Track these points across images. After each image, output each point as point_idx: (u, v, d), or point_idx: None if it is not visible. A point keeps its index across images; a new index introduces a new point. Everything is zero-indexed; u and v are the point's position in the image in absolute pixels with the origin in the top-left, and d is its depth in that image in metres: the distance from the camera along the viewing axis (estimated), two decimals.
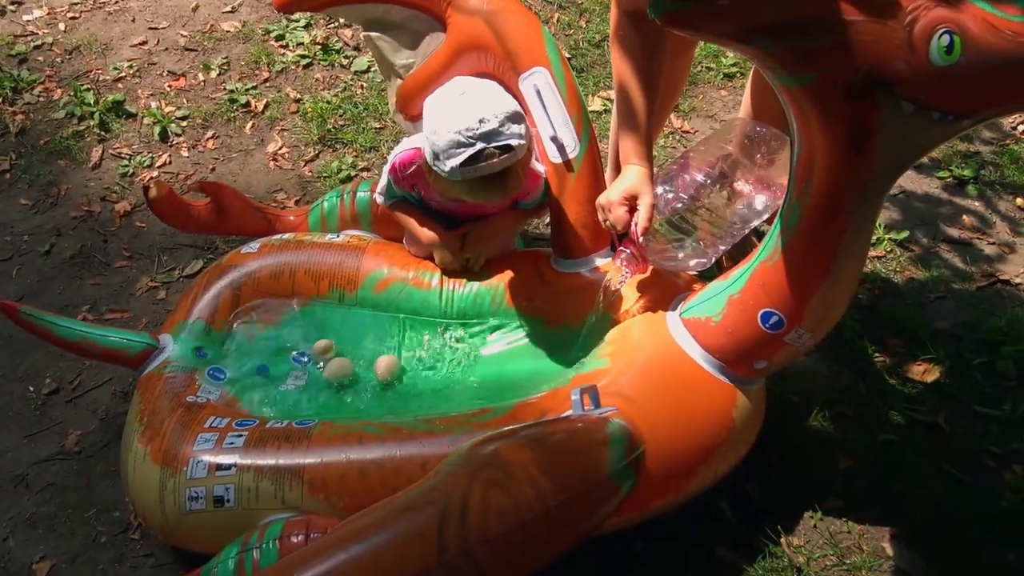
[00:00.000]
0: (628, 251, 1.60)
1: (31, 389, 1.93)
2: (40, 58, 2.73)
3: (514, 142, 1.51)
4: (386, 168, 1.77)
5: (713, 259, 1.66)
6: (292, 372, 1.77)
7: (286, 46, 2.78)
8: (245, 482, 1.50)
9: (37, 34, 2.82)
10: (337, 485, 1.48)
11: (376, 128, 2.48)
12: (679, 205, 1.63)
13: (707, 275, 1.66)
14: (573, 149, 1.74)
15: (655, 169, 1.63)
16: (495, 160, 1.50)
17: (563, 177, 1.76)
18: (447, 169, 1.52)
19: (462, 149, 1.49)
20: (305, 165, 2.42)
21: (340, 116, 2.54)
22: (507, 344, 1.78)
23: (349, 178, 2.36)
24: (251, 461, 1.52)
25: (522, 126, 1.54)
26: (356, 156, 2.43)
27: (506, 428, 1.44)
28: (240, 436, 1.56)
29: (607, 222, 1.60)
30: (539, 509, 1.29)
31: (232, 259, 1.89)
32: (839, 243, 1.32)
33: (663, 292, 1.67)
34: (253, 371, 1.75)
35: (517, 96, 1.69)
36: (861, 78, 1.11)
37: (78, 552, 1.68)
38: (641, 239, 1.56)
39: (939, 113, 1.13)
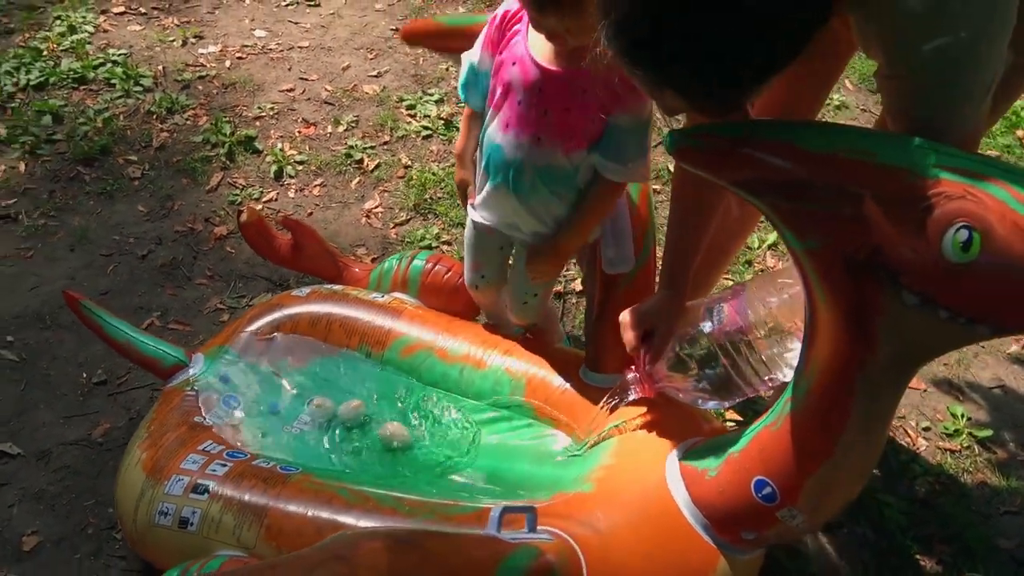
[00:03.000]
0: (635, 375, 1.55)
1: (84, 376, 2.08)
2: (200, 87, 3.02)
3: None
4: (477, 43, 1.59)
5: (729, 405, 1.57)
6: (301, 416, 1.80)
7: (414, 115, 2.94)
8: (212, 511, 1.53)
9: (205, 66, 3.13)
10: (291, 537, 1.48)
11: None
12: (715, 340, 1.56)
13: (747, 408, 1.57)
14: (627, 266, 1.71)
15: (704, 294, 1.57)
16: None
17: (610, 289, 1.73)
18: None
19: None
20: (394, 227, 2.52)
21: (440, 188, 2.63)
22: (511, 439, 1.74)
23: (430, 248, 2.43)
24: (224, 492, 1.55)
25: None
26: (443, 229, 2.50)
27: (401, 526, 1.39)
28: (225, 466, 1.60)
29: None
30: None
31: (281, 299, 1.98)
32: (840, 431, 1.19)
33: (680, 427, 1.59)
34: (266, 406, 1.81)
35: None
36: (864, 255, 1.02)
37: (64, 535, 1.76)
38: (648, 368, 1.50)
39: (947, 312, 1.01)
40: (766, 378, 1.52)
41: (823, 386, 1.20)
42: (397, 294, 2.01)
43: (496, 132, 1.56)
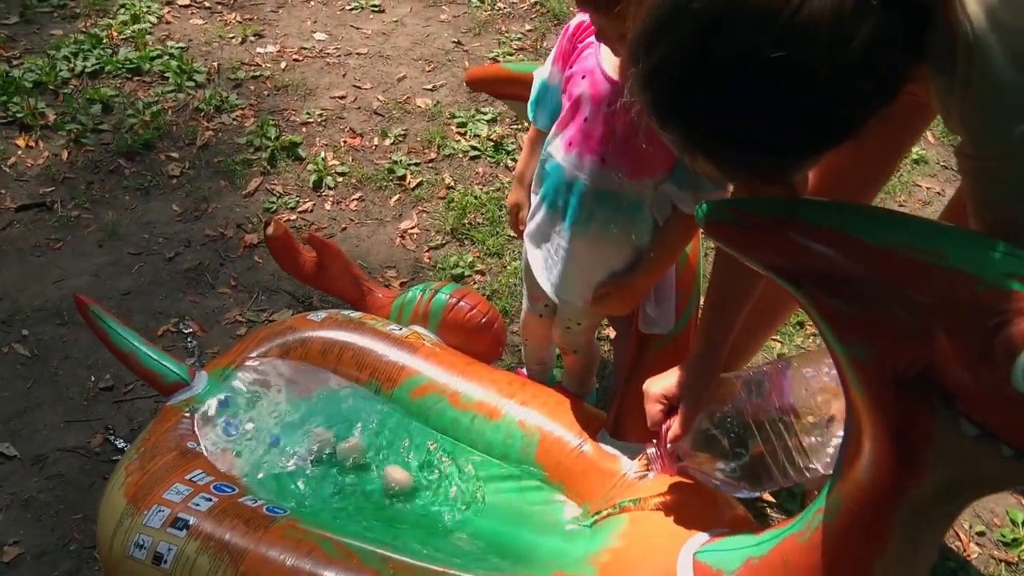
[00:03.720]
0: (655, 451, 1.40)
1: (92, 379, 2.02)
2: (252, 87, 2.97)
3: None
4: (548, 59, 1.49)
5: (758, 495, 1.42)
6: (300, 451, 1.70)
7: (464, 134, 2.83)
8: (188, 550, 1.44)
9: (260, 65, 3.08)
10: None
11: (508, 237, 2.43)
12: (751, 418, 1.40)
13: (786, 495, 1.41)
14: (665, 327, 1.57)
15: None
16: None
17: (644, 349, 1.60)
18: None
19: None
20: (428, 251, 2.41)
21: (481, 214, 2.52)
22: (516, 502, 1.61)
23: (461, 277, 2.32)
24: (204, 529, 1.45)
25: None
26: (478, 257, 2.38)
27: None
28: (210, 500, 1.51)
29: None
30: None
31: (295, 321, 1.88)
32: (878, 554, 1.04)
33: (699, 512, 1.44)
34: (265, 437, 1.71)
35: None
36: (915, 371, 0.87)
37: (46, 550, 1.70)
38: (669, 446, 1.36)
39: (1012, 450, 0.85)
40: (804, 468, 1.36)
41: (860, 504, 1.04)
42: (417, 327, 1.90)
43: (558, 150, 1.44)
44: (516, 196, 1.66)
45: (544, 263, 1.57)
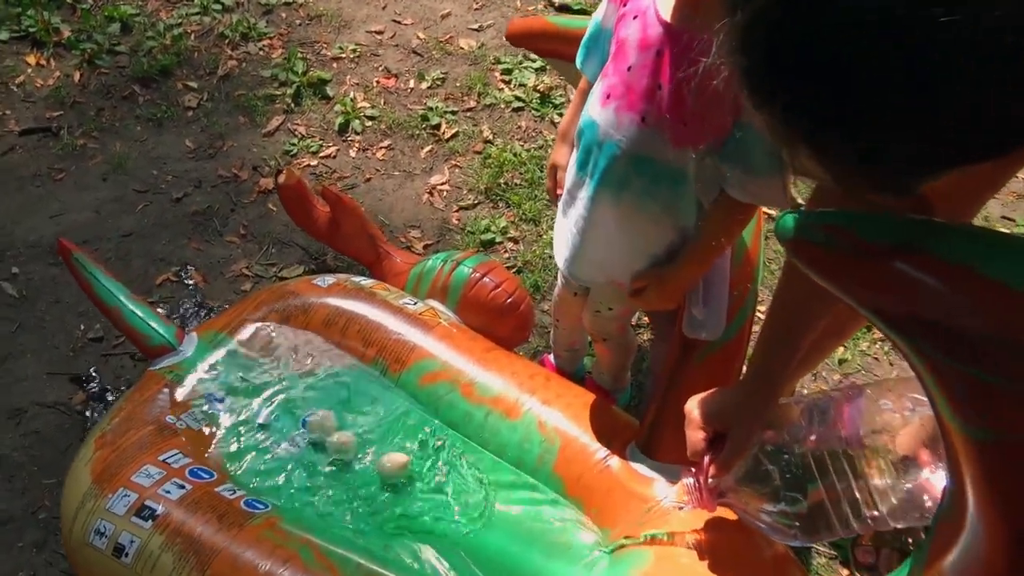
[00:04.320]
0: (693, 481, 1.19)
1: (81, 328, 1.86)
2: (283, 15, 2.74)
3: None
4: None
5: (811, 543, 1.20)
6: (293, 435, 1.52)
7: (508, 82, 2.58)
8: (152, 544, 1.27)
9: None
10: None
11: (547, 201, 2.19)
12: (812, 451, 1.17)
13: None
14: (713, 333, 1.35)
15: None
16: None
17: (686, 355, 1.37)
18: None
19: None
20: (457, 210, 2.19)
21: (519, 173, 2.28)
22: (528, 516, 1.41)
23: (492, 243, 2.10)
24: (172, 522, 1.28)
25: None
26: (512, 222, 2.16)
27: None
28: (182, 488, 1.34)
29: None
30: None
31: (298, 286, 1.69)
32: None
33: (735, 551, 1.24)
34: (253, 415, 1.53)
35: None
36: None
37: (12, 516, 1.56)
38: (711, 481, 1.14)
39: None
40: (868, 517, 1.14)
41: None
42: (433, 303, 1.69)
43: (595, 103, 1.21)
44: (557, 155, 1.43)
45: (565, 233, 1.35)
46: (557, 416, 1.47)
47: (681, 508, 1.27)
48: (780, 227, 0.75)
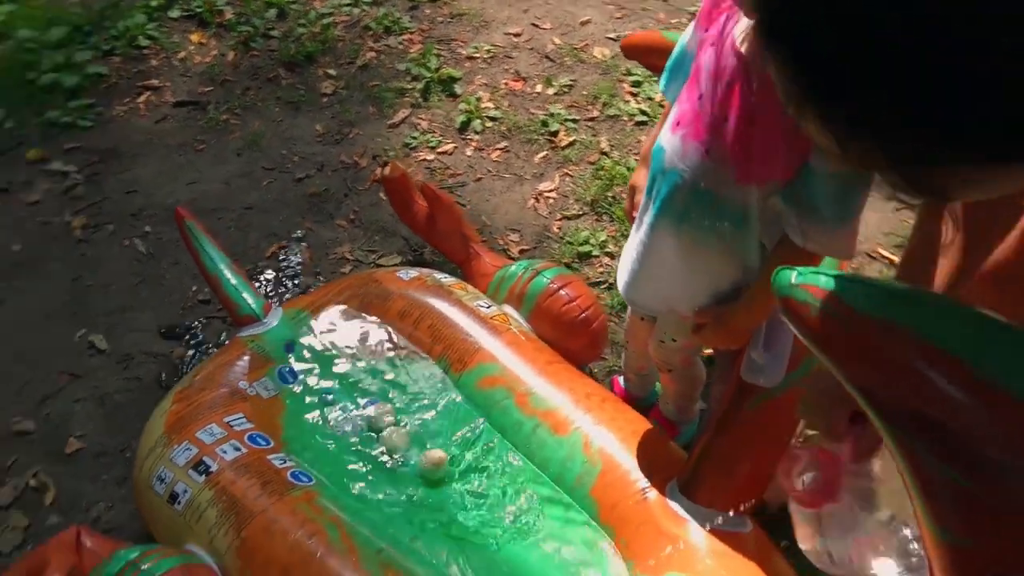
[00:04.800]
0: (815, 475, 1.05)
1: (193, 289, 2.01)
2: (428, 11, 2.83)
3: None
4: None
5: None
6: (350, 418, 1.59)
7: (636, 95, 2.55)
8: (201, 498, 1.37)
9: None
10: (259, 567, 1.28)
11: None
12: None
13: None
14: (771, 380, 1.29)
15: None
16: None
17: (741, 399, 1.32)
18: None
19: None
20: (560, 219, 2.20)
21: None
22: (557, 534, 1.41)
23: (588, 256, 2.09)
24: (221, 480, 1.38)
25: None
26: (612, 237, 2.14)
27: None
28: (238, 451, 1.43)
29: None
30: None
31: (382, 276, 1.75)
32: None
33: None
34: (318, 393, 1.61)
35: None
36: None
37: (105, 450, 1.71)
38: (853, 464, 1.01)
39: None
40: None
41: None
42: (508, 308, 1.71)
43: (666, 129, 1.19)
44: (637, 176, 1.41)
45: (627, 256, 1.33)
46: (605, 439, 1.46)
47: (803, 480, 1.17)
48: (775, 281, 0.72)
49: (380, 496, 1.46)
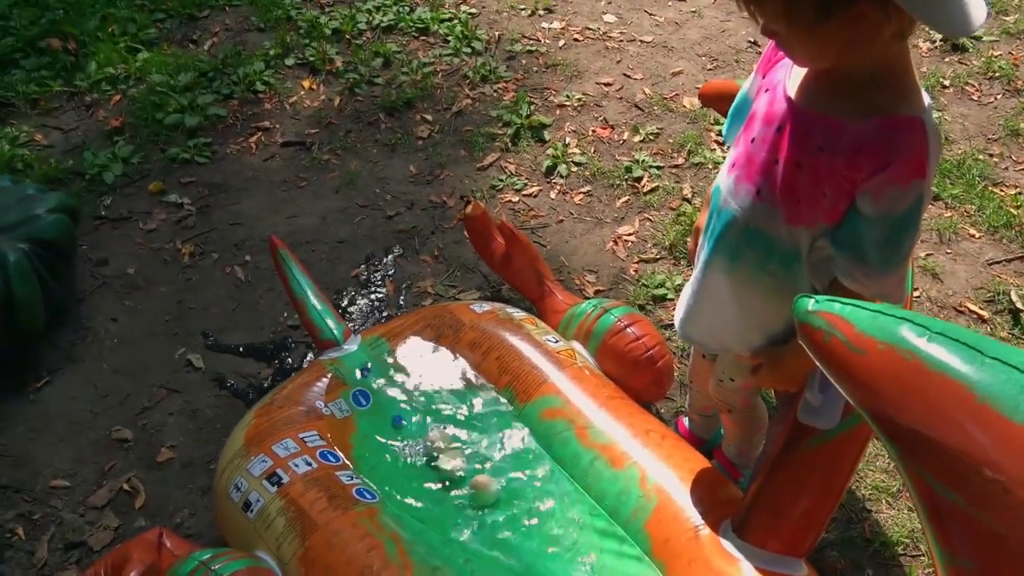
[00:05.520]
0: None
1: (284, 315, 2.13)
2: (524, 61, 2.95)
3: None
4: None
5: None
6: (416, 443, 1.64)
7: (722, 144, 2.57)
8: (272, 507, 1.46)
9: (539, 40, 3.03)
10: (320, 574, 1.35)
11: None
12: None
13: None
14: (827, 423, 1.28)
15: None
16: None
17: (796, 440, 1.31)
18: None
19: None
20: (637, 262, 2.23)
21: None
22: (608, 569, 1.41)
23: (663, 299, 2.11)
24: (291, 492, 1.46)
25: None
26: (687, 281, 2.14)
27: None
28: (310, 465, 1.51)
29: None
30: None
31: (457, 308, 1.83)
32: None
33: None
34: (389, 416, 1.68)
35: None
36: None
37: (193, 461, 1.83)
38: None
39: None
40: None
41: None
42: (576, 344, 1.75)
43: (724, 169, 1.24)
44: (701, 218, 1.44)
45: (684, 293, 1.35)
46: (661, 474, 1.46)
47: None
48: (794, 307, 0.74)
49: (438, 517, 1.51)
